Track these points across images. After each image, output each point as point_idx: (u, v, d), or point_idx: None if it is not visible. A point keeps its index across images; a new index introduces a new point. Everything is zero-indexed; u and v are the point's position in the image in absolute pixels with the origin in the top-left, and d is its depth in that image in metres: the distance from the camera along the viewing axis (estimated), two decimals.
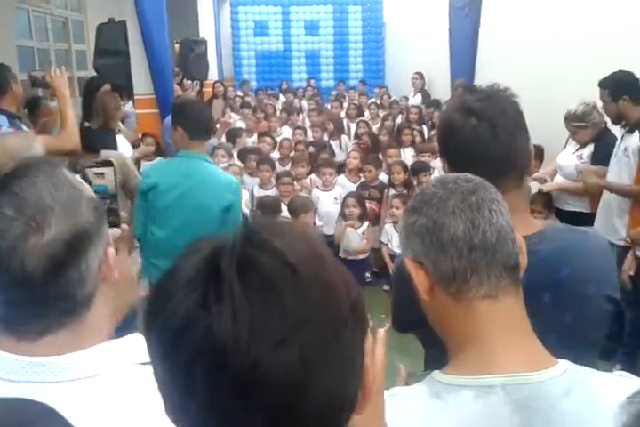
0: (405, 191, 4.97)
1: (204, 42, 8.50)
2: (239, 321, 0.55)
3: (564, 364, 0.96)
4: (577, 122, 4.01)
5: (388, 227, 4.79)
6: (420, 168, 5.15)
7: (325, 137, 7.38)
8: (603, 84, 3.81)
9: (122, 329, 1.03)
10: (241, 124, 7.88)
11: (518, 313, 0.98)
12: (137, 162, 5.14)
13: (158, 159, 5.71)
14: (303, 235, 0.64)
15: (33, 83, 3.86)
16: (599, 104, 3.94)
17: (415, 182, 5.03)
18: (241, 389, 0.55)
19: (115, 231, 1.23)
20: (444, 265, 0.96)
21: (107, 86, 4.79)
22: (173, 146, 3.71)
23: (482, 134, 1.30)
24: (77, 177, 1.00)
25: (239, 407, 0.56)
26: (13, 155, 2.14)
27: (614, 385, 0.95)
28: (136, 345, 0.97)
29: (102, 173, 1.23)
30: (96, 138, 4.15)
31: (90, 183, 1.21)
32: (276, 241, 0.60)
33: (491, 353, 0.94)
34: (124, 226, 1.26)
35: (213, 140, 5.95)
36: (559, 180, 4.32)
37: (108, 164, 1.25)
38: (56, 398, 0.83)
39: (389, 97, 9.72)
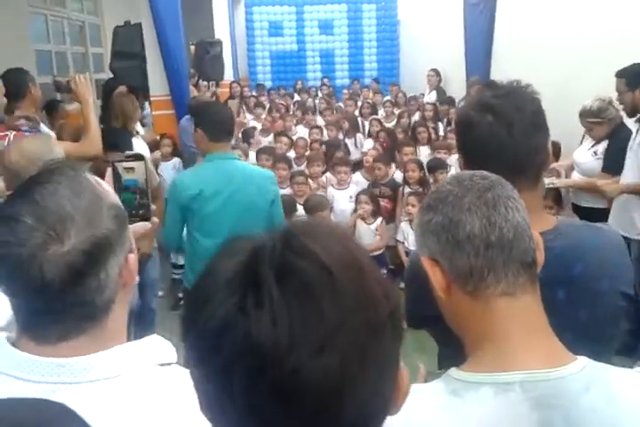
0: (421, 189, 4.95)
1: (219, 43, 8.55)
2: (279, 327, 0.56)
3: (582, 360, 0.95)
4: (592, 118, 3.97)
5: (404, 225, 4.79)
6: (436, 165, 5.12)
7: (340, 135, 7.38)
8: (620, 73, 3.80)
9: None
10: (255, 124, 7.91)
11: (536, 310, 0.97)
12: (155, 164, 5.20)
13: (175, 160, 5.76)
14: (341, 238, 0.64)
15: (57, 88, 3.90)
16: (615, 99, 3.91)
17: (432, 180, 5.01)
18: (280, 394, 0.56)
19: (145, 225, 1.25)
20: (461, 263, 0.96)
21: (122, 88, 4.84)
22: (195, 148, 3.70)
23: (497, 131, 1.29)
24: (105, 176, 0.99)
25: (278, 412, 0.57)
26: (32, 158, 2.15)
27: (634, 381, 0.95)
28: (155, 346, 0.98)
29: (132, 168, 1.23)
30: (117, 137, 4.20)
31: (120, 178, 1.23)
32: (315, 245, 0.60)
33: (509, 350, 0.94)
34: (155, 219, 1.27)
35: None
36: (576, 176, 4.28)
37: (138, 157, 1.25)
38: (76, 398, 0.84)
39: (404, 95, 9.69)
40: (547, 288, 1.02)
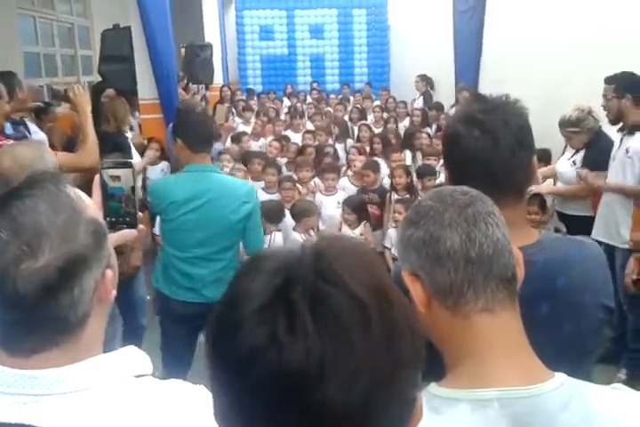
0: (408, 196, 4.96)
1: (209, 46, 8.54)
2: (311, 358, 0.56)
3: (560, 377, 0.95)
4: (571, 127, 3.99)
5: (392, 231, 4.78)
6: (425, 172, 5.13)
7: (330, 141, 7.39)
8: (609, 80, 3.83)
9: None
10: (244, 128, 7.91)
11: (515, 328, 0.97)
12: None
13: (163, 163, 5.75)
14: (368, 262, 0.65)
15: (54, 96, 3.88)
16: (600, 106, 3.93)
17: (420, 187, 5.02)
18: (305, 423, 0.57)
19: (131, 232, 1.24)
20: (441, 278, 0.96)
21: (110, 91, 4.81)
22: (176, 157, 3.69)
23: (483, 146, 1.29)
24: (80, 193, 0.98)
25: None
26: (24, 165, 2.13)
27: (612, 399, 0.95)
28: (130, 358, 0.98)
29: (118, 176, 1.23)
30: (113, 141, 4.20)
31: (106, 186, 1.23)
32: (345, 272, 0.60)
33: (487, 367, 0.94)
34: (141, 226, 1.27)
35: (218, 146, 5.97)
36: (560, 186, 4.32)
37: (125, 165, 1.25)
38: (47, 411, 0.85)
39: (394, 100, 9.72)
40: (530, 303, 1.02)
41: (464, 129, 1.32)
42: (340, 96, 11.02)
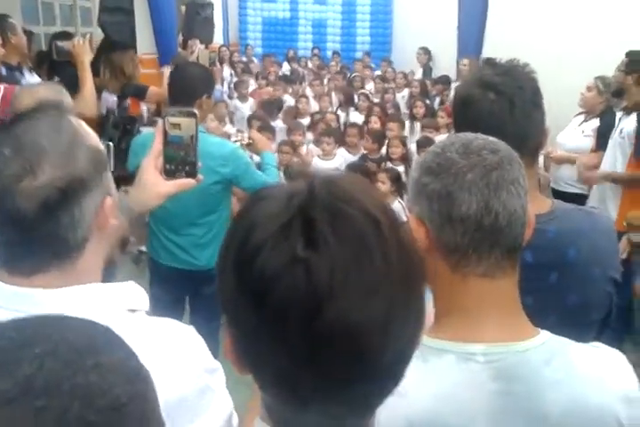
0: (401, 166, 4.92)
1: (210, 5, 8.41)
2: (336, 271, 0.58)
3: (544, 335, 0.96)
4: (602, 85, 4.02)
5: None
6: (424, 144, 5.10)
7: (330, 108, 7.33)
8: (629, 53, 3.80)
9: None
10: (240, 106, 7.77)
11: (510, 293, 0.98)
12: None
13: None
14: (374, 190, 0.68)
15: (57, 53, 3.79)
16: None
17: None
18: (334, 335, 0.58)
19: (189, 182, 1.24)
20: (447, 237, 0.94)
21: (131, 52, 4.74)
22: None
23: (500, 109, 1.28)
24: (83, 124, 0.99)
25: (332, 353, 0.59)
26: None
27: (592, 355, 0.97)
28: (127, 292, 0.99)
29: (178, 124, 1.22)
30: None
31: (166, 133, 1.22)
32: (360, 196, 0.63)
33: (475, 322, 0.95)
34: (200, 176, 1.26)
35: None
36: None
37: (188, 114, 1.23)
38: None
39: (393, 71, 9.63)
40: (538, 271, 1.02)
41: (479, 92, 1.31)
42: (340, 65, 10.89)
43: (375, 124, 5.82)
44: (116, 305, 0.94)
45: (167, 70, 4.43)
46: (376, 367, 0.62)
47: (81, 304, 0.90)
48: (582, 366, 0.94)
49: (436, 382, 0.91)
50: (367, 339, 0.59)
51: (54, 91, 2.33)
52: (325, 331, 0.58)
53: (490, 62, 1.41)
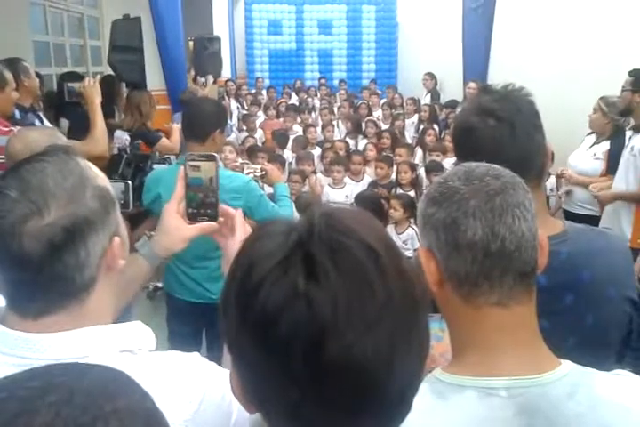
0: (411, 191, 4.92)
1: (217, 39, 8.53)
2: (338, 303, 0.58)
3: (567, 365, 0.94)
4: (605, 105, 4.05)
5: (389, 228, 4.68)
6: (433, 168, 5.13)
7: (337, 136, 7.39)
8: (632, 72, 3.83)
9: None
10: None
11: (528, 322, 0.95)
12: None
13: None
14: (375, 222, 0.68)
15: (69, 95, 3.88)
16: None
17: (429, 183, 5.00)
18: (337, 368, 0.58)
19: (211, 225, 1.26)
20: (457, 266, 0.93)
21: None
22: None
23: (501, 135, 1.28)
24: (91, 165, 1.00)
25: (335, 386, 0.59)
26: (35, 149, 2.14)
27: (617, 384, 0.94)
28: (134, 332, 0.98)
29: (198, 166, 1.25)
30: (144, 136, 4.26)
31: (186, 176, 1.25)
32: (359, 228, 0.63)
33: (494, 355, 0.93)
34: (222, 219, 1.27)
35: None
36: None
37: (208, 158, 1.26)
38: None
39: (400, 97, 9.70)
40: (554, 294, 1.00)
41: (478, 119, 1.32)
42: (348, 92, 11.01)
43: (371, 151, 5.91)
44: (116, 347, 0.93)
45: (177, 126, 4.51)
46: (382, 398, 0.62)
47: (82, 348, 0.90)
48: (607, 397, 0.91)
49: (460, 419, 0.89)
50: (371, 370, 0.59)
51: (47, 135, 2.32)
52: (329, 363, 0.58)
53: (486, 89, 1.42)
